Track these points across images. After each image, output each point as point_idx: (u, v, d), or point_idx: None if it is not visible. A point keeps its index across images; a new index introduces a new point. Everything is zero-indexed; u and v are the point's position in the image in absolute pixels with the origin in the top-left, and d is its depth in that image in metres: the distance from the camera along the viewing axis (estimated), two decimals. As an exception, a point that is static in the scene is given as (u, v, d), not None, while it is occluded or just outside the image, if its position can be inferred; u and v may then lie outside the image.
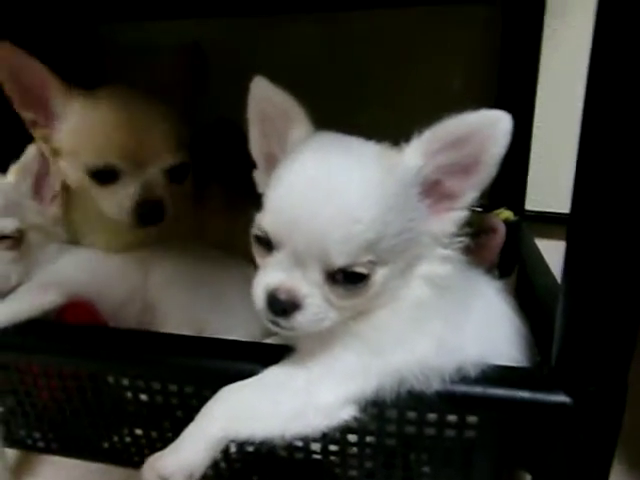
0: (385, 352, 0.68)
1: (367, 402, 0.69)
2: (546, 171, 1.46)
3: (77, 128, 1.04)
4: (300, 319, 0.66)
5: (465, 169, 0.66)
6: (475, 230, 1.19)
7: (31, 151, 1.04)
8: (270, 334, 0.95)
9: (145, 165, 1.04)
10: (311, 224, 0.63)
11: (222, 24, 1.53)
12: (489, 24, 1.40)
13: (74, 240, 1.12)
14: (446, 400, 0.70)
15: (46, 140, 1.06)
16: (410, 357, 0.68)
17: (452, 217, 0.68)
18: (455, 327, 0.71)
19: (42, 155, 1.04)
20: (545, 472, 0.74)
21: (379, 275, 0.66)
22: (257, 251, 0.70)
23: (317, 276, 0.65)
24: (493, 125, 0.64)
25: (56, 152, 1.06)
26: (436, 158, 0.66)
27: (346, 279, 0.65)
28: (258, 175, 0.77)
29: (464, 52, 1.45)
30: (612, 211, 0.60)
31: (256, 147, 0.78)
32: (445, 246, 0.69)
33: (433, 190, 0.68)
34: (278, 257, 0.66)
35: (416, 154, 0.67)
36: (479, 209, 1.32)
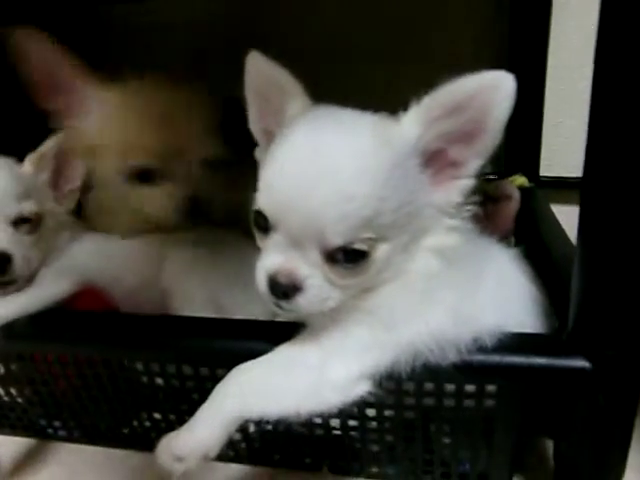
0: (398, 326, 0.67)
1: (382, 376, 0.67)
2: (560, 136, 1.44)
3: (111, 125, 1.02)
4: (302, 301, 0.65)
5: (468, 136, 0.63)
6: (489, 197, 1.18)
7: (50, 142, 1.03)
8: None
9: (186, 159, 1.02)
10: (304, 204, 0.61)
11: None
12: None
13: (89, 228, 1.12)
14: (463, 371, 0.69)
15: (74, 134, 1.03)
16: (424, 329, 0.67)
17: (457, 186, 0.66)
18: (469, 297, 0.69)
19: (61, 148, 1.03)
20: (567, 437, 0.73)
21: (380, 251, 0.64)
22: (257, 233, 0.69)
23: (316, 256, 0.64)
24: (495, 87, 0.60)
25: (86, 148, 1.04)
26: (436, 126, 0.63)
27: (346, 258, 0.63)
28: (259, 153, 0.75)
29: (474, 19, 1.42)
30: (625, 171, 0.58)
31: (254, 124, 0.76)
32: (452, 216, 0.67)
33: (435, 159, 0.65)
34: (276, 238, 0.65)
35: (414, 123, 0.64)
36: (493, 177, 1.30)
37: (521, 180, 1.31)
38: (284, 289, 0.64)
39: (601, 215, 0.62)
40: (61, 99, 1.02)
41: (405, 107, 0.65)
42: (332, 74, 1.25)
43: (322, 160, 0.61)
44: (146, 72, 1.06)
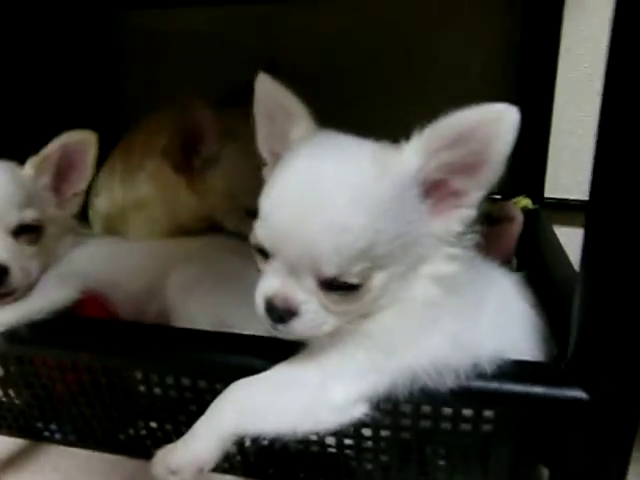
0: (397, 351, 0.67)
1: (380, 399, 0.68)
2: (566, 158, 1.44)
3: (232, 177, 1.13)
4: (297, 325, 0.66)
5: (469, 167, 0.63)
6: (492, 218, 1.18)
7: (53, 145, 1.02)
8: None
9: None
10: (300, 235, 0.62)
11: (237, 11, 1.52)
12: (509, 6, 1.38)
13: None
14: (461, 396, 0.69)
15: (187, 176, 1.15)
16: (423, 355, 0.67)
17: (458, 216, 0.65)
18: (469, 323, 0.70)
19: (65, 151, 1.02)
20: (563, 467, 0.73)
21: (376, 280, 0.64)
22: (256, 257, 0.69)
23: (311, 283, 0.64)
24: (497, 120, 0.60)
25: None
26: (437, 156, 0.63)
27: (341, 286, 0.64)
28: (266, 173, 0.75)
29: (483, 36, 1.42)
30: (631, 199, 0.58)
31: (262, 144, 0.77)
32: (452, 245, 0.67)
33: (436, 189, 0.65)
34: (274, 264, 0.66)
35: (415, 153, 0.64)
36: (497, 197, 1.31)
37: (525, 202, 1.32)
38: (280, 313, 0.66)
39: (606, 243, 0.62)
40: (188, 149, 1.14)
41: (407, 136, 0.65)
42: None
43: (319, 190, 0.62)
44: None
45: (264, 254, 0.67)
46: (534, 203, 1.34)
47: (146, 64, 1.64)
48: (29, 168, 1.00)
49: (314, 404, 0.67)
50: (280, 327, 0.66)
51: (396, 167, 0.64)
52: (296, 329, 0.66)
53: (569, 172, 1.46)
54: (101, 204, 1.22)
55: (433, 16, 1.43)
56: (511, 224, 1.18)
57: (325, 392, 0.67)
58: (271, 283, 0.67)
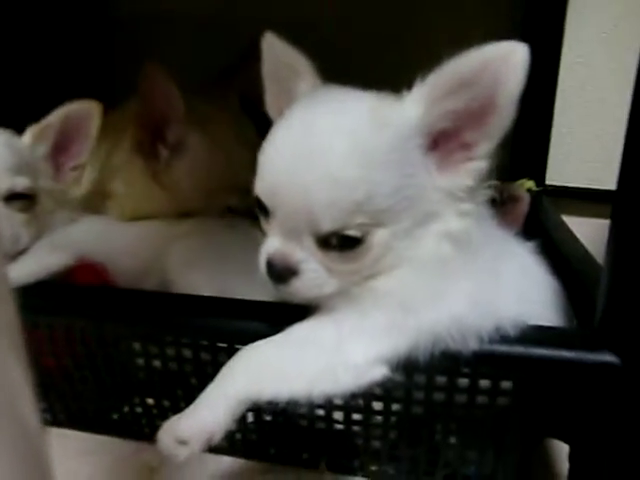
0: (418, 309, 0.64)
1: (399, 362, 0.64)
2: (567, 145, 1.42)
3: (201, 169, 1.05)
4: (298, 284, 0.64)
5: (477, 114, 0.59)
6: (497, 200, 1.16)
7: (55, 114, 0.99)
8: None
9: None
10: (294, 187, 0.60)
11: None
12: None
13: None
14: (484, 361, 0.66)
15: (154, 168, 1.06)
16: (445, 314, 0.63)
17: (468, 169, 0.62)
18: (489, 285, 0.66)
19: (67, 121, 0.99)
20: (587, 441, 0.70)
21: (377, 237, 0.62)
22: (260, 216, 0.67)
23: (310, 242, 0.62)
24: (504, 59, 0.57)
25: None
26: (441, 104, 0.60)
27: (339, 243, 0.61)
28: None
29: (487, 15, 1.39)
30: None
31: (271, 105, 0.74)
32: (463, 200, 0.63)
33: (443, 141, 0.62)
34: (275, 223, 0.64)
35: (418, 102, 0.61)
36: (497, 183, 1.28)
37: (529, 184, 1.30)
38: (279, 272, 0.64)
39: (633, 206, 0.60)
40: (150, 133, 1.05)
41: (410, 86, 0.62)
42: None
43: (313, 142, 0.60)
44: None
45: (266, 212, 0.65)
46: (537, 186, 1.31)
47: (138, 47, 1.61)
48: (28, 136, 0.98)
49: (331, 364, 0.64)
50: (281, 287, 0.65)
51: (396, 117, 0.61)
52: (297, 289, 0.64)
53: (570, 159, 1.44)
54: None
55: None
56: (517, 204, 1.16)
57: (343, 352, 0.64)
58: (272, 242, 0.65)
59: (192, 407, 0.65)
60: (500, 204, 1.14)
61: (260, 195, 0.64)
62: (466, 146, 0.62)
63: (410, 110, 0.61)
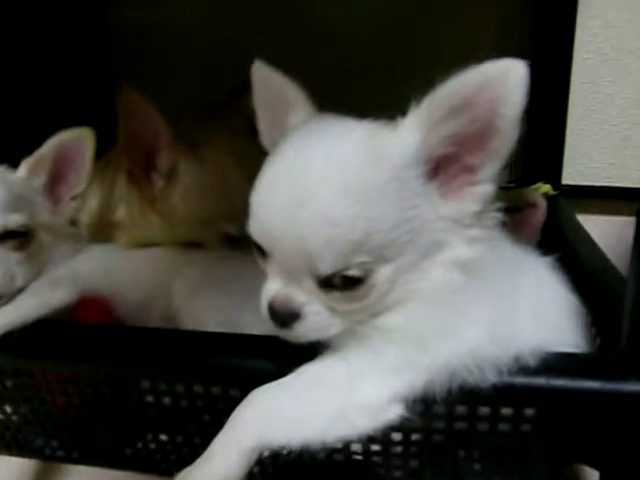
0: (431, 345, 0.61)
1: (415, 398, 0.61)
2: (582, 143, 1.39)
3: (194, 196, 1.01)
4: (302, 329, 0.61)
5: (478, 137, 0.56)
6: (512, 206, 1.12)
7: (50, 144, 0.96)
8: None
9: None
10: (288, 232, 0.57)
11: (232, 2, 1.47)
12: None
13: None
14: (504, 394, 0.63)
15: (149, 197, 1.03)
16: (460, 347, 0.60)
17: (473, 193, 0.59)
18: (505, 312, 0.63)
19: (62, 151, 0.96)
20: (617, 467, 0.67)
21: (381, 274, 0.58)
22: (257, 257, 0.64)
23: (310, 284, 0.59)
24: (502, 78, 0.54)
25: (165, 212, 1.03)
26: (439, 129, 0.57)
27: (341, 284, 0.58)
28: None
29: (497, 6, 1.36)
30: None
31: (264, 136, 0.72)
32: (470, 226, 0.60)
33: (445, 166, 0.59)
34: (273, 265, 0.61)
35: (414, 128, 0.58)
36: (511, 185, 1.25)
37: (545, 188, 1.26)
38: (281, 317, 0.61)
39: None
40: (137, 160, 1.02)
41: (405, 112, 0.59)
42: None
43: (304, 181, 0.57)
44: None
45: (263, 253, 0.62)
46: (553, 190, 1.28)
47: (138, 59, 1.59)
48: (22, 170, 0.95)
49: (344, 407, 0.61)
50: (284, 332, 0.62)
51: (392, 147, 0.58)
52: (300, 332, 0.62)
53: (586, 158, 1.40)
54: (83, 213, 1.15)
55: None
56: (534, 212, 1.13)
57: (355, 393, 0.61)
58: (271, 285, 0.63)
59: (204, 457, 0.62)
60: (516, 211, 1.11)
61: (254, 237, 0.61)
62: (469, 169, 0.59)
63: (407, 138, 0.58)
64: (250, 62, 0.70)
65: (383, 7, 1.39)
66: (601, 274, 0.87)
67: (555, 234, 1.11)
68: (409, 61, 1.37)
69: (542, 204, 1.14)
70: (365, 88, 1.30)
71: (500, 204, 0.61)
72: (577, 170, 1.40)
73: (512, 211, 1.10)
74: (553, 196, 1.26)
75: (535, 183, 1.29)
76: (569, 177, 1.37)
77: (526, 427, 0.69)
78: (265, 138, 0.71)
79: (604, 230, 1.11)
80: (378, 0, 1.40)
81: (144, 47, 1.57)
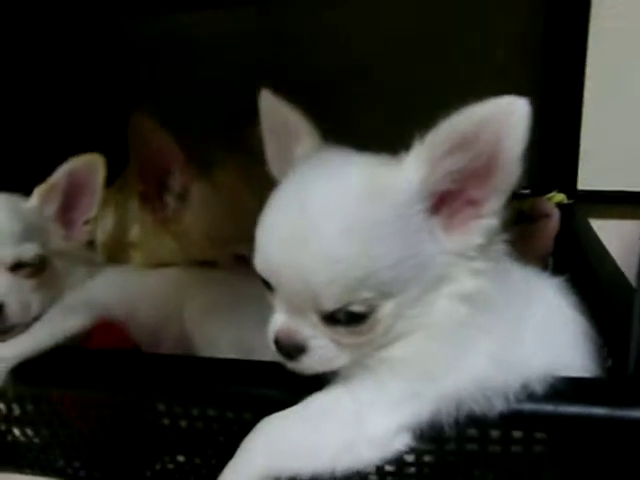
0: (437, 376, 0.61)
1: (423, 428, 0.62)
2: (598, 147, 1.37)
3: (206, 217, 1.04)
4: (307, 362, 0.62)
5: (481, 172, 0.57)
6: (525, 216, 1.12)
7: (59, 172, 0.98)
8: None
9: None
10: (291, 269, 0.58)
11: (250, 14, 1.48)
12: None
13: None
14: (511, 421, 0.63)
15: (162, 218, 1.06)
16: (467, 378, 0.61)
17: (477, 227, 0.59)
18: (512, 340, 0.64)
19: (73, 178, 0.98)
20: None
21: (385, 309, 0.59)
22: (264, 290, 0.65)
23: (315, 318, 0.60)
24: (504, 115, 0.54)
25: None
26: (442, 165, 0.57)
27: (345, 319, 0.59)
28: None
29: (508, 21, 1.35)
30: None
31: (273, 164, 0.72)
32: (474, 259, 0.60)
33: (448, 201, 0.59)
34: (279, 298, 0.62)
35: (416, 164, 0.58)
36: (526, 191, 1.24)
37: (560, 197, 1.25)
38: (287, 350, 0.62)
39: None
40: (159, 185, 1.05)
41: (407, 147, 0.60)
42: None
43: (306, 221, 0.57)
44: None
45: (268, 285, 0.63)
46: (568, 198, 1.26)
47: (154, 74, 1.60)
48: (35, 198, 0.96)
49: (352, 438, 0.62)
50: (291, 364, 0.63)
51: (394, 183, 0.58)
52: (307, 365, 0.62)
53: (600, 162, 1.39)
54: (98, 234, 1.17)
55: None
56: (547, 222, 1.12)
57: (363, 425, 0.61)
58: (277, 318, 0.63)
59: None
60: (528, 222, 1.11)
61: (259, 271, 0.62)
62: (473, 202, 0.59)
63: (410, 174, 0.58)
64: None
65: (397, 27, 1.39)
66: (613, 290, 0.86)
67: (569, 246, 1.10)
68: (424, 77, 1.37)
69: (555, 214, 1.13)
70: (379, 106, 1.30)
71: (504, 236, 0.62)
72: (592, 175, 1.38)
73: (526, 222, 1.10)
74: (568, 205, 1.25)
75: (550, 188, 1.28)
76: (585, 182, 1.36)
77: (538, 449, 0.68)
78: (273, 166, 0.72)
79: (623, 235, 1.10)
80: (392, 20, 1.40)
81: (159, 61, 1.58)
